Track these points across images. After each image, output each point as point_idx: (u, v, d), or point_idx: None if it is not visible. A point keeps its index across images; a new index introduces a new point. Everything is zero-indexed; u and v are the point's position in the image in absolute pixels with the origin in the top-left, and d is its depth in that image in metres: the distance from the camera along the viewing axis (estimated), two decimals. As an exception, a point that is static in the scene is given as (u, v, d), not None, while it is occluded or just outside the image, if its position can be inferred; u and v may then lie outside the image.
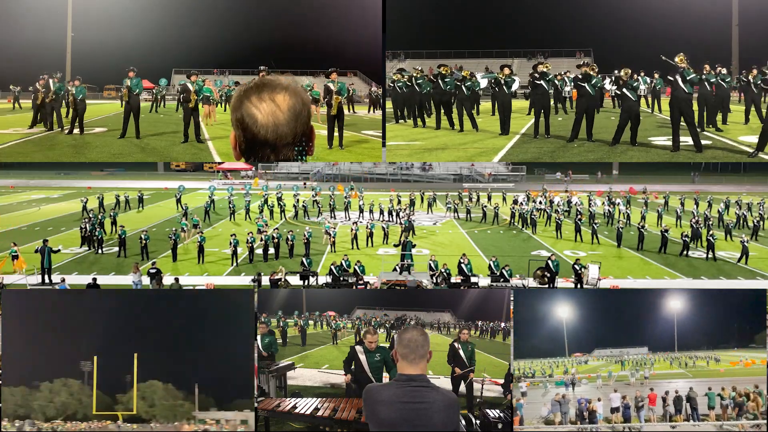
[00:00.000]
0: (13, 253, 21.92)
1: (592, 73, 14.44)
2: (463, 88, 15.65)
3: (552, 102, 17.90)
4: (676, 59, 13.12)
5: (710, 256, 25.51)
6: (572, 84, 15.42)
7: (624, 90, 13.92)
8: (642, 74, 18.25)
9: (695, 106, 13.93)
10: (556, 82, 17.24)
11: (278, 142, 2.44)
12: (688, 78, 13.02)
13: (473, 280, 20.37)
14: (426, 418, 2.72)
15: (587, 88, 14.34)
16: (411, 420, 2.72)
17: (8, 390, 7.40)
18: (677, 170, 60.91)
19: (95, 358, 7.26)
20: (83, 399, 7.10)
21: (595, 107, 14.78)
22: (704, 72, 14.11)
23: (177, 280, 19.08)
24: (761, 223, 32.23)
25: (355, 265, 20.71)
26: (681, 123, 13.45)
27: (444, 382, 10.52)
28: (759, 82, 14.70)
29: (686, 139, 13.54)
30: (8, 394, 7.37)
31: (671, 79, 13.20)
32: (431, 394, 2.76)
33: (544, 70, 15.34)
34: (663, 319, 12.31)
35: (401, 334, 2.90)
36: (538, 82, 15.25)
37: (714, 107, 15.11)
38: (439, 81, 15.85)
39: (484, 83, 16.03)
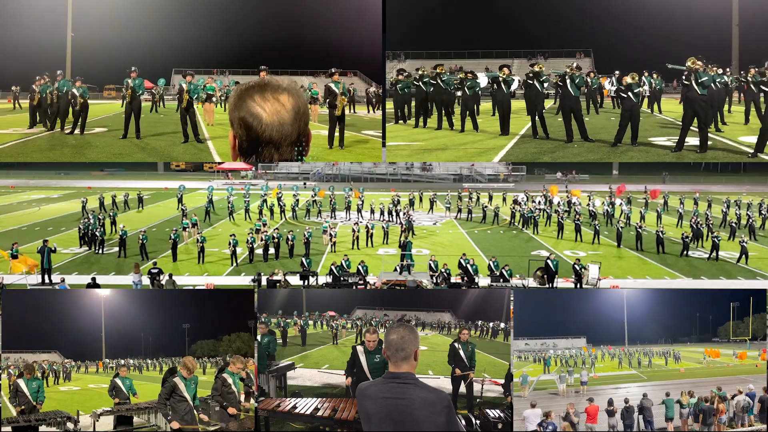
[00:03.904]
0: (14, 253, 21.84)
1: (576, 73, 14.45)
2: (465, 88, 15.66)
3: (553, 102, 17.92)
4: (688, 63, 13.10)
5: (713, 256, 25.50)
6: (554, 86, 15.39)
7: (627, 92, 13.94)
8: (645, 74, 18.26)
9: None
10: (559, 83, 17.24)
11: (282, 141, 2.47)
12: (701, 80, 13.00)
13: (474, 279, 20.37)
14: (406, 414, 2.75)
15: (568, 88, 14.35)
16: (393, 415, 2.77)
17: (200, 342, 11.99)
18: (678, 170, 60.89)
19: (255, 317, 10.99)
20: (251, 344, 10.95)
21: (578, 107, 14.72)
22: (710, 72, 14.13)
23: (170, 276, 19.10)
24: (762, 223, 32.25)
25: (359, 265, 20.70)
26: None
27: (444, 382, 10.48)
28: (759, 80, 14.69)
29: (686, 139, 13.55)
30: (201, 344, 12.01)
31: (687, 83, 13.16)
32: (413, 391, 2.78)
33: (537, 70, 15.34)
34: (609, 306, 9.41)
35: (387, 334, 2.92)
36: (531, 82, 15.25)
37: (715, 107, 15.13)
38: (439, 81, 15.85)
39: (483, 82, 16.03)
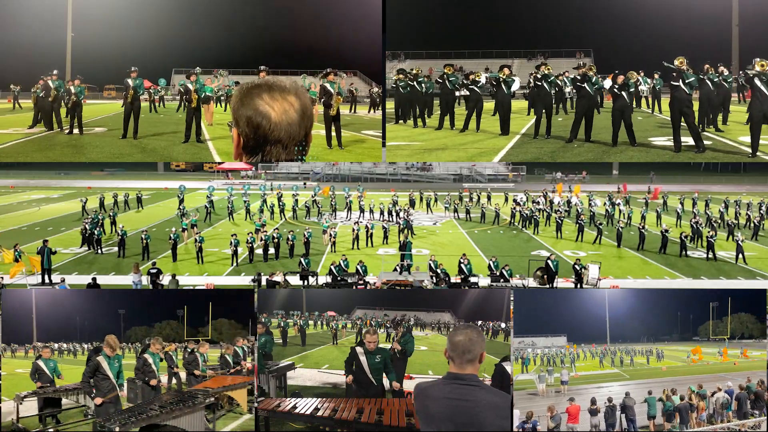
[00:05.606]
0: (17, 256, 21.76)
1: (590, 73, 14.45)
2: (476, 88, 15.68)
3: (553, 102, 17.92)
4: (676, 62, 13.11)
5: (710, 256, 25.49)
6: (572, 84, 15.42)
7: (618, 91, 13.95)
8: (641, 74, 18.23)
9: (695, 107, 13.93)
10: (558, 82, 17.24)
11: (290, 142, 2.50)
12: (687, 80, 13.02)
13: (473, 280, 20.36)
14: (471, 416, 2.73)
15: (587, 88, 14.35)
16: (454, 417, 2.74)
17: (134, 328, 12.18)
18: (678, 170, 60.91)
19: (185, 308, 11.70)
20: (179, 331, 11.69)
21: (594, 107, 14.79)
22: (706, 72, 14.11)
23: (174, 276, 19.12)
24: (761, 223, 32.24)
25: (357, 264, 20.70)
26: (681, 124, 13.48)
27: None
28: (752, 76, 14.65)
29: (686, 139, 13.55)
30: (135, 330, 12.20)
31: (675, 84, 13.17)
32: (478, 393, 2.77)
33: (546, 72, 15.36)
34: (590, 305, 9.23)
35: (451, 335, 2.90)
36: (540, 83, 15.27)
37: (715, 107, 15.11)
38: (446, 81, 15.85)
39: (482, 81, 16.06)
